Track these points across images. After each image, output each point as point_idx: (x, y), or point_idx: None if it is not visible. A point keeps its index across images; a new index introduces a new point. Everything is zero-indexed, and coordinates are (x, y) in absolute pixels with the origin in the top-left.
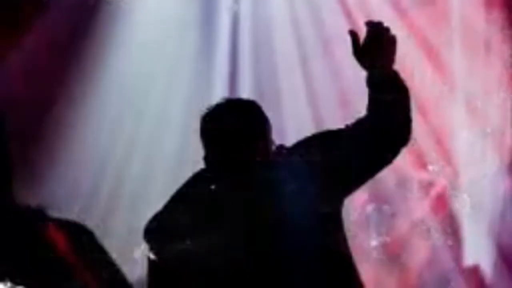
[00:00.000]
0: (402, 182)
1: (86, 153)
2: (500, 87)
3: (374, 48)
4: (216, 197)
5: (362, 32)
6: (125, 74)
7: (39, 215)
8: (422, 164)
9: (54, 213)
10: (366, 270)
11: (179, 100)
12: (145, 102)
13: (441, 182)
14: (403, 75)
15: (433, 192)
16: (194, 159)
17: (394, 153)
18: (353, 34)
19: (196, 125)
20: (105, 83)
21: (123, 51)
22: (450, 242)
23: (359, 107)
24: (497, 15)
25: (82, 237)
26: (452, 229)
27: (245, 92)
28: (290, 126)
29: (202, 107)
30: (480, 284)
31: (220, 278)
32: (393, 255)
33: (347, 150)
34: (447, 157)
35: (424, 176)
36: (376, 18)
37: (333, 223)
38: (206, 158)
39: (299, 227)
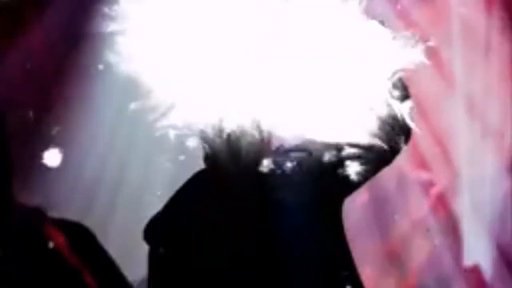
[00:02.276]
0: (402, 182)
1: (86, 153)
2: (500, 87)
3: None
4: (216, 198)
5: None
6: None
7: (39, 215)
8: (422, 164)
9: (54, 213)
10: (366, 270)
11: None
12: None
13: (441, 182)
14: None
15: (433, 192)
16: (193, 160)
17: (394, 153)
18: None
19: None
20: (104, 83)
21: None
22: (450, 242)
23: None
24: (497, 15)
25: (82, 237)
26: (452, 229)
27: None
28: None
29: None
30: (480, 284)
31: (221, 279)
32: (393, 255)
33: (347, 150)
34: (447, 157)
35: (424, 176)
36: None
37: (333, 224)
38: (206, 159)
39: (299, 227)
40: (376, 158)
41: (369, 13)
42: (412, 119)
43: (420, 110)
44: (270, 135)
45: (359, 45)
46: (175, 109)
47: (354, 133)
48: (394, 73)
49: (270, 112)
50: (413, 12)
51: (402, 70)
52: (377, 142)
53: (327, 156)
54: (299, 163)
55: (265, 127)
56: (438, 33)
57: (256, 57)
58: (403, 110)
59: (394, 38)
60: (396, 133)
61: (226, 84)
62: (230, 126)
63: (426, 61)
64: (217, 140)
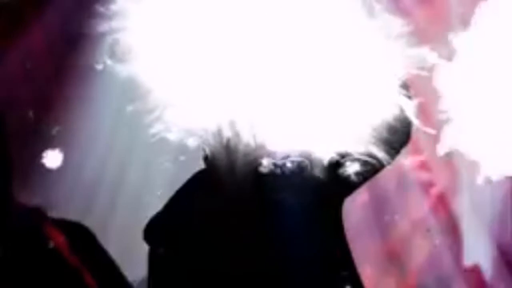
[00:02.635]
0: (402, 182)
1: (86, 153)
2: None
3: None
4: (216, 198)
5: None
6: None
7: (39, 215)
8: (422, 164)
9: (54, 213)
10: (366, 270)
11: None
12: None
13: (441, 182)
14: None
15: (433, 192)
16: (193, 161)
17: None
18: None
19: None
20: (104, 83)
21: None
22: (450, 242)
23: None
24: None
25: (82, 237)
26: (452, 229)
27: None
28: None
29: None
30: (480, 284)
31: (221, 279)
32: (393, 255)
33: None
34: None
35: (424, 176)
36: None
37: (333, 224)
38: (205, 159)
39: (299, 227)
40: (376, 161)
41: (372, 12)
42: (416, 119)
43: (420, 109)
44: (263, 143)
45: (360, 47)
46: (173, 110)
47: (353, 140)
48: (399, 74)
49: (267, 121)
50: (415, 10)
51: (407, 71)
52: (377, 148)
53: (327, 158)
54: (299, 164)
55: (261, 135)
56: (439, 31)
57: (255, 60)
58: (408, 110)
59: (397, 37)
60: (396, 136)
61: (225, 88)
62: (227, 132)
63: (434, 60)
64: (217, 144)
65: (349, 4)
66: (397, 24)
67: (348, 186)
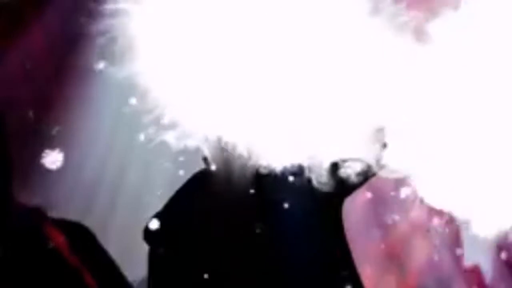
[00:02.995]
0: (402, 182)
1: (86, 153)
2: None
3: None
4: (216, 198)
5: None
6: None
7: (39, 215)
8: None
9: (54, 213)
10: (366, 270)
11: None
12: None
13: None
14: None
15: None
16: (193, 161)
17: None
18: None
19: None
20: (104, 83)
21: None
22: (450, 243)
23: None
24: None
25: (82, 237)
26: (452, 229)
27: None
28: None
29: None
30: (480, 284)
31: (221, 279)
32: (393, 255)
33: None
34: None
35: None
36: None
37: (333, 224)
38: (205, 159)
39: (299, 227)
40: (375, 161)
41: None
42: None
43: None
44: (262, 146)
45: (361, 48)
46: (172, 111)
47: (353, 141)
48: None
49: (266, 122)
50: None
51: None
52: (377, 148)
53: (327, 160)
54: (299, 165)
55: (260, 137)
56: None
57: (255, 60)
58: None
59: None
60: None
61: (224, 88)
62: (226, 134)
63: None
64: (217, 146)
65: (353, 3)
66: (402, 19)
67: (348, 187)
